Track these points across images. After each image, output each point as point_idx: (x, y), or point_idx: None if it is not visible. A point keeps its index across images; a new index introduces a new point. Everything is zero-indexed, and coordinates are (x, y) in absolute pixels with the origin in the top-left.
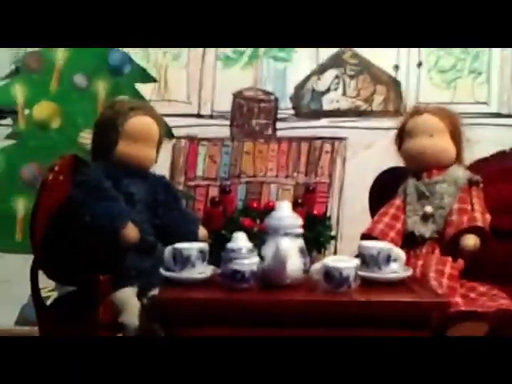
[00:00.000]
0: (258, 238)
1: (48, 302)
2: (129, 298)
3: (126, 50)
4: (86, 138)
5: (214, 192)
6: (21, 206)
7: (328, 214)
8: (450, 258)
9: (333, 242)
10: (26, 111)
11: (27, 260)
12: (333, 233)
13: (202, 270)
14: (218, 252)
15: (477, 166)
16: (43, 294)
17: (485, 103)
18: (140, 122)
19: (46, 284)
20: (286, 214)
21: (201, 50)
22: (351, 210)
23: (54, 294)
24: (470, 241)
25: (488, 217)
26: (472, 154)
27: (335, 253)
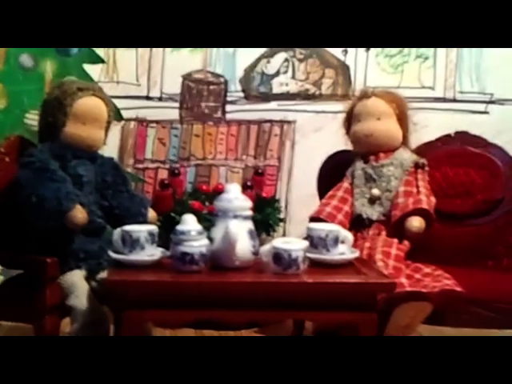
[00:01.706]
0: (208, 221)
1: None
2: (77, 281)
3: None
4: (32, 118)
5: (163, 174)
6: None
7: (277, 197)
8: (395, 240)
9: (281, 224)
10: None
11: None
12: (281, 215)
13: (152, 253)
14: (167, 234)
15: (423, 150)
16: None
17: (431, 88)
18: (88, 103)
19: None
20: (235, 196)
21: None
22: (300, 192)
23: (1, 278)
24: (416, 223)
25: (433, 199)
26: (418, 138)
27: (284, 235)
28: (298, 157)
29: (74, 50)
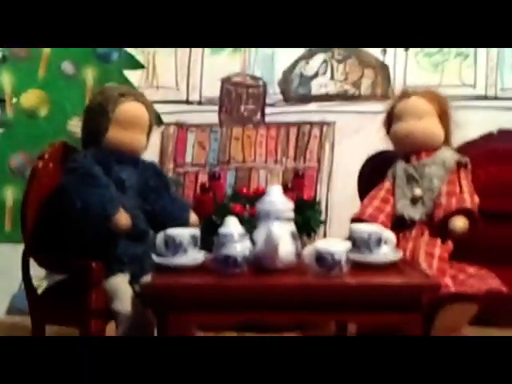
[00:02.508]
0: (249, 224)
1: (39, 291)
2: (121, 285)
3: None
4: (74, 125)
5: (203, 178)
6: (9, 195)
7: (317, 199)
8: (439, 240)
9: (322, 226)
10: (14, 100)
11: (17, 249)
12: (322, 217)
13: (194, 256)
14: (208, 238)
15: (465, 149)
16: (34, 283)
17: (471, 86)
18: (130, 109)
19: (37, 273)
20: (277, 199)
21: None
22: (340, 194)
23: (45, 283)
24: (459, 223)
25: (476, 199)
26: (460, 137)
27: (324, 237)
28: (338, 158)
29: (114, 57)
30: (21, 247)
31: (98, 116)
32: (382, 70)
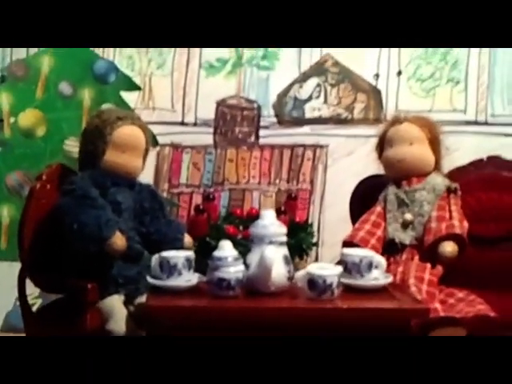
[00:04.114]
0: (242, 246)
1: (33, 309)
2: (116, 306)
3: (111, 58)
4: (71, 145)
5: (197, 199)
6: (6, 213)
7: (309, 221)
8: (428, 265)
9: (314, 248)
10: (12, 119)
11: (12, 267)
12: (314, 239)
13: (189, 278)
14: (203, 259)
15: (455, 174)
16: (29, 301)
17: (462, 111)
18: (127, 132)
19: (31, 291)
20: (270, 223)
21: (185, 58)
22: (332, 216)
23: (39, 302)
24: (449, 248)
25: (466, 224)
26: (451, 162)
27: (316, 258)
28: (331, 181)
29: (112, 78)
30: (16, 265)
31: (95, 139)
32: (375, 94)
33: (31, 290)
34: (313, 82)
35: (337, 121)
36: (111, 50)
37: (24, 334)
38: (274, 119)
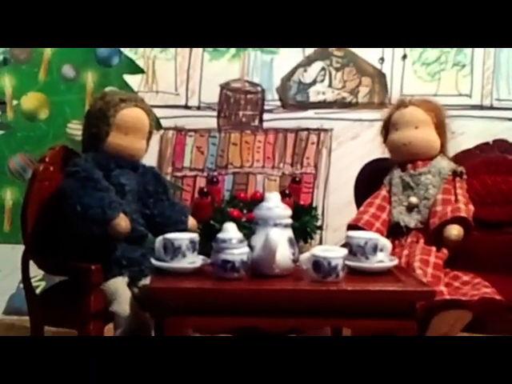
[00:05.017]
0: (246, 229)
1: (37, 292)
2: (120, 288)
3: None
4: (73, 128)
5: (201, 183)
6: (9, 196)
7: (314, 205)
8: (434, 248)
9: (319, 231)
10: (15, 102)
11: (15, 250)
12: (319, 223)
13: (193, 260)
14: (206, 242)
15: (461, 158)
16: (32, 283)
17: (468, 95)
18: (131, 114)
19: (35, 273)
20: (275, 205)
21: None
22: (337, 200)
23: (43, 284)
24: (454, 231)
25: (471, 207)
26: (456, 146)
27: (321, 242)
28: (335, 165)
29: (115, 61)
30: (19, 248)
31: (98, 121)
32: (380, 78)
33: (35, 272)
34: (317, 65)
35: (341, 105)
36: None
37: (28, 317)
38: (278, 103)
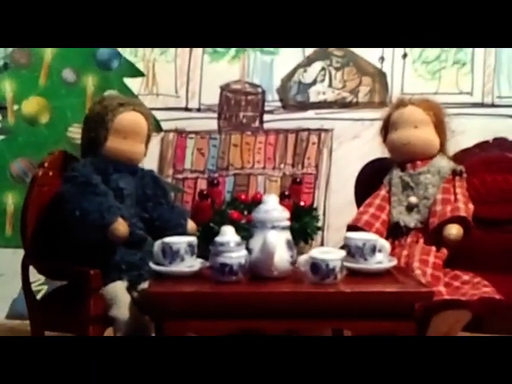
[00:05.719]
0: (246, 231)
1: (38, 296)
2: (119, 292)
3: None
4: (74, 132)
5: (202, 184)
6: (10, 200)
7: (315, 205)
8: (433, 248)
9: (319, 232)
10: (15, 107)
11: (17, 254)
12: (319, 223)
13: (191, 264)
14: (206, 244)
15: (460, 157)
16: (33, 287)
17: (469, 93)
18: (129, 118)
19: (36, 278)
20: (272, 207)
21: None
22: (338, 200)
23: (44, 288)
24: (453, 230)
25: (471, 207)
26: (456, 144)
27: (322, 243)
28: (336, 165)
29: (115, 64)
30: (21, 252)
31: (97, 125)
32: (380, 77)
33: (37, 276)
34: (317, 65)
35: (342, 104)
36: None
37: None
38: (279, 104)
